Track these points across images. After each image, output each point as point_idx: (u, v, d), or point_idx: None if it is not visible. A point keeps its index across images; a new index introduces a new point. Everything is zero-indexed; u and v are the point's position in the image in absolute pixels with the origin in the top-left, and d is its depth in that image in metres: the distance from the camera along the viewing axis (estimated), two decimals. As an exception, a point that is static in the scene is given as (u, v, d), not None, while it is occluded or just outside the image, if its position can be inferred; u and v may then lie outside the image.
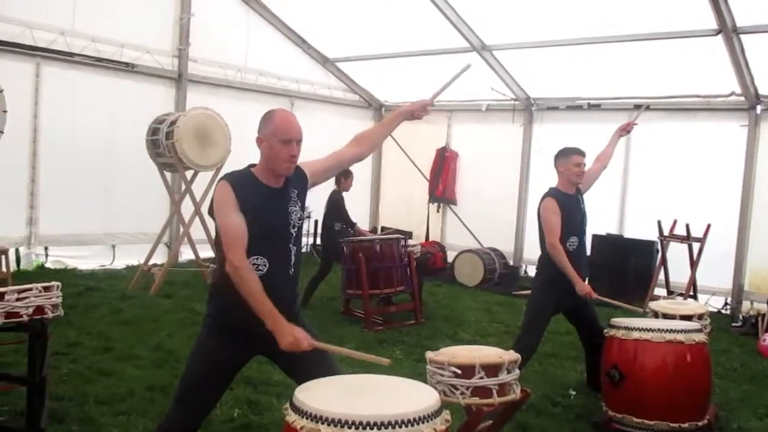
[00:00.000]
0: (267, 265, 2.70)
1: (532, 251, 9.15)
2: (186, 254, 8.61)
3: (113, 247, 8.87)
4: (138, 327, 5.98)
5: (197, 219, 7.88)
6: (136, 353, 5.18)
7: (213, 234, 7.72)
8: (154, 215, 8.65)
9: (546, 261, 4.68)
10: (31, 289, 3.64)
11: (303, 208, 2.84)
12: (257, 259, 2.68)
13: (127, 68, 8.76)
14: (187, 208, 7.99)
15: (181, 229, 8.14)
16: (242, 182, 2.70)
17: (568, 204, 4.57)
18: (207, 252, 8.08)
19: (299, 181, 2.85)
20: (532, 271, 9.63)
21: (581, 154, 4.64)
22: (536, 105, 10.00)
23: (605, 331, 4.20)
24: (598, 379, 4.38)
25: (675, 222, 7.91)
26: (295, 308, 2.87)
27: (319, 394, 2.25)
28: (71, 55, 8.22)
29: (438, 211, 11.14)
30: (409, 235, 8.99)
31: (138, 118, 8.10)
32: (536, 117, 10.05)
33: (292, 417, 2.16)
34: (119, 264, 8.78)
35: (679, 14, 7.07)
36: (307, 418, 2.11)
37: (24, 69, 7.85)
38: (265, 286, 2.62)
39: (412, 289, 6.87)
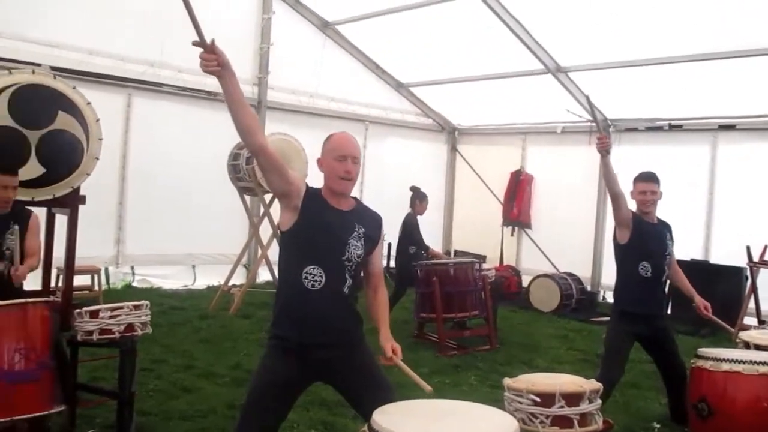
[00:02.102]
0: (323, 279, 2.70)
1: (610, 277, 8.85)
2: (264, 275, 8.84)
3: (193, 267, 9.23)
4: (218, 346, 6.16)
5: (275, 241, 8.08)
6: (217, 371, 5.34)
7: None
8: (233, 237, 8.95)
9: (621, 290, 4.54)
10: (122, 308, 3.85)
11: (364, 249, 2.79)
12: (314, 269, 2.69)
13: (210, 97, 9.16)
14: (265, 230, 8.22)
15: (260, 251, 8.37)
16: (313, 193, 2.78)
17: (645, 227, 4.40)
18: (284, 274, 8.27)
19: (371, 224, 2.86)
20: (610, 297, 9.33)
21: (646, 180, 4.37)
22: (614, 126, 9.76)
23: (692, 361, 4.01)
24: (682, 412, 4.19)
25: (766, 247, 7.50)
26: (358, 335, 2.86)
27: (397, 417, 2.27)
28: (160, 85, 8.68)
29: (512, 235, 10.98)
30: (483, 258, 8.91)
31: (219, 144, 8.42)
32: (614, 138, 9.77)
33: (370, 439, 2.18)
34: (200, 284, 9.11)
35: (765, 30, 6.79)
36: (385, 441, 2.12)
37: (117, 100, 8.36)
38: (319, 304, 2.68)
39: (486, 313, 6.79)
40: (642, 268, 4.35)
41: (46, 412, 3.40)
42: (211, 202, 8.96)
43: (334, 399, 4.48)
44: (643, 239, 4.35)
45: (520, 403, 2.74)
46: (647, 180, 4.39)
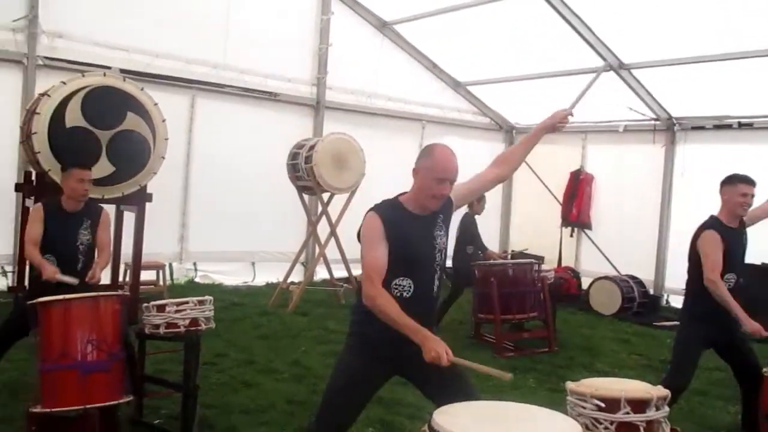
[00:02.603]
0: (412, 288, 2.75)
1: (674, 280, 8.58)
2: (321, 273, 8.95)
3: (253, 264, 9.41)
4: (277, 342, 6.27)
5: (332, 240, 8.16)
6: (276, 367, 5.43)
7: (348, 255, 7.98)
8: (292, 236, 9.09)
9: (695, 294, 4.36)
10: (187, 302, 3.95)
11: (447, 232, 2.88)
12: (403, 280, 2.73)
13: (271, 97, 9.33)
14: (323, 229, 8.31)
15: (317, 250, 8.47)
16: (390, 212, 2.76)
17: (729, 238, 4.23)
18: (341, 272, 8.36)
19: (445, 206, 2.89)
20: (674, 301, 9.04)
21: (749, 183, 4.23)
22: (679, 124, 9.44)
23: (764, 370, 3.85)
24: (755, 422, 4.02)
25: None
26: (432, 331, 2.90)
27: (457, 419, 2.25)
28: (222, 86, 8.90)
29: (571, 236, 10.74)
30: (541, 259, 8.77)
31: (279, 143, 8.58)
32: (679, 137, 9.47)
33: (431, 439, 2.17)
34: (260, 281, 9.29)
35: None
36: (446, 442, 2.11)
37: (182, 101, 8.61)
38: (408, 309, 2.68)
39: (545, 315, 6.68)
40: (726, 281, 4.16)
41: (116, 402, 3.53)
42: (270, 200, 9.11)
43: (392, 398, 4.51)
44: (730, 252, 4.17)
45: (583, 407, 2.68)
46: (750, 183, 4.25)
